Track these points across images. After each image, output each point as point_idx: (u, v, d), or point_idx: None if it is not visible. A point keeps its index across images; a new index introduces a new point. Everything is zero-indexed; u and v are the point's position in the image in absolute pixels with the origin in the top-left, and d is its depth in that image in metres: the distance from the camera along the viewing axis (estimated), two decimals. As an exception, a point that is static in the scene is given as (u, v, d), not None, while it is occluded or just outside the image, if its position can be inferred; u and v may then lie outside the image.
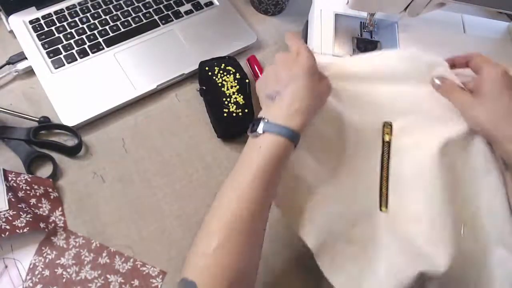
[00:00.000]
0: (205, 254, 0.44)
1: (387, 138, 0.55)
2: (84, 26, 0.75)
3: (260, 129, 0.49)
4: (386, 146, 0.55)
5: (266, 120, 0.49)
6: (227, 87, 0.69)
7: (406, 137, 0.55)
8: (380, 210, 0.53)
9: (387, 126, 0.56)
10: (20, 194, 0.60)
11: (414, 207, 0.52)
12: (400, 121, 0.56)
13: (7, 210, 0.57)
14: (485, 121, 0.50)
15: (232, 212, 0.45)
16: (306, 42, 0.72)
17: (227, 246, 0.44)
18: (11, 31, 0.75)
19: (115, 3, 0.78)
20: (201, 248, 0.45)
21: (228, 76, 0.70)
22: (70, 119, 0.67)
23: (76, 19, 0.76)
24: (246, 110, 0.68)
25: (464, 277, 0.50)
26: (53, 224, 0.60)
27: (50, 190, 0.61)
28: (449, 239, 0.49)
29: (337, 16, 0.69)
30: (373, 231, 0.52)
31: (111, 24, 0.76)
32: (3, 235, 0.55)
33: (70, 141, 0.66)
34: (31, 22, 0.75)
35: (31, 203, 0.60)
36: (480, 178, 0.52)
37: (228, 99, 0.68)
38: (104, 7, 0.78)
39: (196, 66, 0.72)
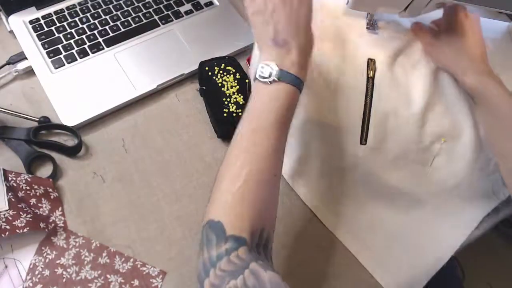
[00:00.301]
0: (230, 192, 0.46)
1: (371, 74, 0.59)
2: (84, 26, 0.75)
3: (273, 76, 0.50)
4: (370, 82, 0.59)
5: (277, 68, 0.50)
6: (227, 87, 0.69)
7: (388, 71, 0.60)
8: (360, 144, 0.59)
9: (371, 63, 0.59)
10: (20, 194, 0.60)
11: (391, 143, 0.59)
12: (383, 56, 0.60)
13: (7, 210, 0.57)
14: (444, 59, 0.60)
15: (253, 155, 0.48)
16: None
17: (250, 184, 0.46)
18: (11, 31, 0.75)
19: (115, 3, 0.78)
20: (225, 185, 0.47)
21: (228, 76, 0.70)
22: (70, 119, 0.67)
23: (76, 19, 0.76)
24: (246, 110, 0.68)
25: None
26: (53, 224, 0.60)
27: (50, 190, 0.61)
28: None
29: None
30: (353, 164, 0.60)
31: (111, 24, 0.76)
32: (3, 235, 0.55)
33: (70, 141, 0.66)
34: (31, 22, 0.75)
35: (31, 203, 0.60)
36: (454, 107, 0.59)
37: (228, 99, 0.68)
38: (104, 7, 0.78)
39: (196, 66, 0.72)
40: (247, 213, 0.45)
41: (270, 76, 0.50)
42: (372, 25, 0.63)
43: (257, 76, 0.51)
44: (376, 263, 0.63)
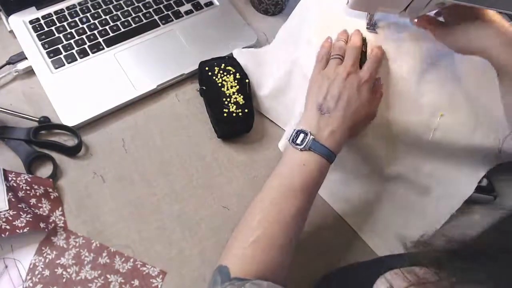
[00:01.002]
0: (242, 246, 0.48)
1: (363, 48, 0.61)
2: (84, 26, 0.75)
3: (306, 145, 0.51)
4: (364, 57, 0.61)
5: (313, 137, 0.51)
6: (227, 87, 0.69)
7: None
8: None
9: (363, 41, 0.61)
10: (20, 194, 0.60)
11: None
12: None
13: (7, 210, 0.57)
14: (464, 42, 0.54)
15: (271, 219, 0.49)
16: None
17: (263, 242, 0.47)
18: (11, 31, 0.75)
19: (115, 3, 0.78)
20: (239, 239, 0.49)
21: (228, 76, 0.70)
22: (70, 119, 0.67)
23: (76, 19, 0.76)
24: (246, 110, 0.68)
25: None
26: (53, 224, 0.60)
27: (50, 190, 0.61)
28: None
29: None
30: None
31: (111, 24, 0.76)
32: (3, 235, 0.55)
33: (70, 141, 0.66)
34: (31, 22, 0.75)
35: (31, 203, 0.60)
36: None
37: (228, 99, 0.68)
38: (104, 7, 0.78)
39: (196, 66, 0.72)
40: (255, 265, 0.47)
41: (302, 143, 0.51)
42: (372, 25, 0.63)
43: (290, 141, 0.52)
44: (364, 224, 0.64)
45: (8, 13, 0.75)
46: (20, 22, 0.75)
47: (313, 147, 0.51)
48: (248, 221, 0.50)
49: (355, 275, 0.57)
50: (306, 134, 0.51)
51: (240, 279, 0.45)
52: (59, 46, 0.73)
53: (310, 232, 0.63)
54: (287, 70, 0.69)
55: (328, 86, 0.55)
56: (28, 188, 0.61)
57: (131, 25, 0.77)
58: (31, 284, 0.56)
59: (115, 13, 0.77)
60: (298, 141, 0.51)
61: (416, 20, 0.59)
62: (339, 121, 0.52)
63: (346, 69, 0.56)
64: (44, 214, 0.60)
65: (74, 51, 0.73)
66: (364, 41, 0.61)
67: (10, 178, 0.60)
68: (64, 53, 0.72)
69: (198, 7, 0.80)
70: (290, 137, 0.53)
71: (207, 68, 0.71)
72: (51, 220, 0.60)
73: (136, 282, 0.57)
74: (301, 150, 0.51)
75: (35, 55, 0.72)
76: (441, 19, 0.60)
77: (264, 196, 0.51)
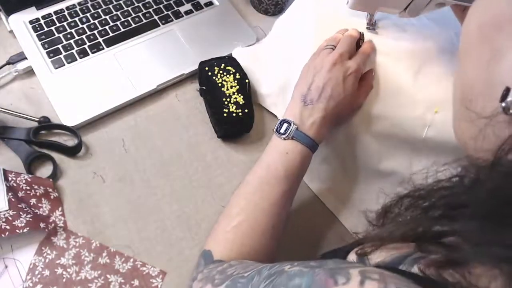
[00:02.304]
0: (224, 231, 0.50)
1: (361, 43, 0.61)
2: (84, 26, 0.75)
3: (289, 134, 0.53)
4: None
5: (296, 127, 0.53)
6: (227, 87, 0.69)
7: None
8: None
9: (361, 37, 0.62)
10: (20, 194, 0.60)
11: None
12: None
13: (7, 210, 0.57)
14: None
15: (253, 203, 0.51)
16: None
17: (244, 228, 0.50)
18: (11, 31, 0.75)
19: (115, 3, 0.78)
20: (222, 225, 0.51)
21: (228, 76, 0.70)
22: (70, 119, 0.67)
23: (76, 19, 0.76)
24: (246, 110, 0.68)
25: None
26: (53, 224, 0.59)
27: (50, 190, 0.61)
28: None
29: None
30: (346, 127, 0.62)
31: (111, 24, 0.76)
32: (3, 235, 0.55)
33: (70, 141, 0.66)
34: (31, 22, 0.75)
35: (31, 203, 0.60)
36: None
37: (228, 99, 0.68)
38: (104, 7, 0.78)
39: (196, 66, 0.72)
40: (236, 249, 0.49)
41: (285, 133, 0.53)
42: (372, 25, 0.63)
43: (275, 130, 0.54)
44: (341, 205, 0.65)
45: (8, 13, 0.75)
46: (20, 22, 0.75)
47: (296, 136, 0.53)
48: (232, 207, 0.52)
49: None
50: (289, 124, 0.53)
51: (222, 261, 0.47)
52: (59, 46, 0.73)
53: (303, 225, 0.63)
54: (286, 69, 0.69)
55: (313, 76, 0.56)
56: (28, 188, 0.60)
57: (131, 25, 0.77)
58: (31, 284, 0.56)
59: (115, 13, 0.77)
60: (282, 131, 0.53)
61: None
62: (322, 112, 0.54)
63: (333, 58, 0.56)
64: (44, 214, 0.60)
65: (74, 51, 0.73)
66: (362, 36, 0.61)
67: (10, 178, 0.60)
68: (64, 53, 0.72)
69: (198, 7, 0.80)
70: (275, 127, 0.55)
71: (207, 68, 0.71)
72: (51, 220, 0.60)
73: (136, 282, 0.57)
74: (284, 139, 0.53)
75: (35, 55, 0.72)
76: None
77: (247, 183, 0.53)
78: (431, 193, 0.30)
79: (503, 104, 0.25)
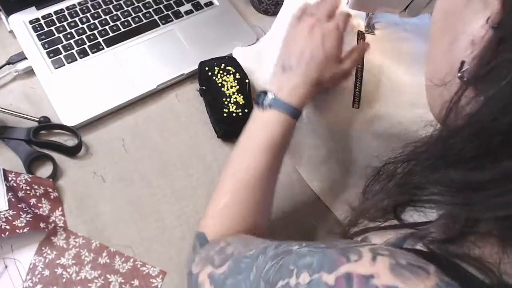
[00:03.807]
0: (215, 211, 0.51)
1: (361, 43, 0.61)
2: (84, 26, 0.75)
3: (267, 103, 0.52)
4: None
5: (273, 96, 0.52)
6: (227, 87, 0.69)
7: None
8: (353, 107, 0.60)
9: (361, 35, 0.62)
10: (20, 194, 0.60)
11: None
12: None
13: (7, 210, 0.57)
14: None
15: (239, 179, 0.51)
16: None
17: (233, 205, 0.50)
18: (11, 31, 0.75)
19: (115, 3, 0.78)
20: (212, 205, 0.51)
21: (228, 76, 0.70)
22: (70, 119, 0.67)
23: (76, 19, 0.76)
24: (246, 110, 0.68)
25: None
26: (53, 224, 0.59)
27: (50, 190, 0.61)
28: None
29: None
30: (346, 126, 0.61)
31: (111, 24, 0.76)
32: (3, 235, 0.55)
33: (70, 141, 0.66)
34: (31, 22, 0.75)
35: (31, 203, 0.60)
36: None
37: (228, 99, 0.68)
38: (104, 7, 0.78)
39: (196, 66, 0.72)
40: (229, 227, 0.49)
41: (263, 103, 0.52)
42: (370, 27, 0.63)
43: (255, 102, 0.54)
44: (341, 204, 0.65)
45: (8, 13, 0.75)
46: (20, 22, 0.75)
47: (274, 105, 0.52)
48: (220, 186, 0.52)
49: None
50: (266, 94, 0.53)
51: (217, 241, 0.47)
52: (59, 46, 0.73)
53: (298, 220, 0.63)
54: None
55: (292, 44, 0.55)
56: (28, 188, 0.60)
57: (131, 25, 0.77)
58: (31, 284, 0.56)
59: (115, 13, 0.77)
60: (260, 101, 0.53)
61: None
62: (301, 76, 0.52)
63: (311, 22, 0.54)
64: (44, 214, 0.60)
65: (74, 51, 0.73)
66: (363, 36, 0.62)
67: (10, 178, 0.60)
68: (64, 53, 0.72)
69: (198, 7, 0.80)
70: (256, 99, 0.54)
71: (207, 68, 0.71)
72: (51, 220, 0.60)
73: (136, 282, 0.57)
74: (263, 110, 0.52)
75: (35, 55, 0.72)
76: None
77: (232, 159, 0.53)
78: (407, 153, 0.33)
79: (459, 74, 0.29)
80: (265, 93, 0.53)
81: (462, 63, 0.29)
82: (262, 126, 0.52)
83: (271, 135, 0.51)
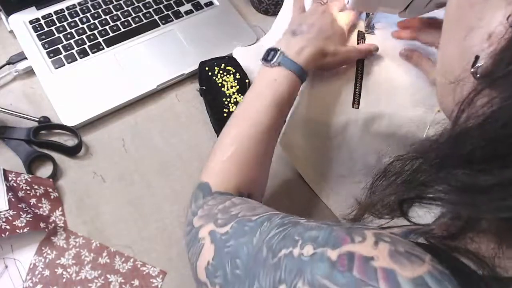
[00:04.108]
0: (220, 161, 0.51)
1: (362, 42, 0.63)
2: (84, 26, 0.75)
3: (276, 60, 0.53)
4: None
5: (282, 54, 0.53)
6: (227, 87, 0.69)
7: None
8: (353, 107, 0.60)
9: (361, 35, 0.63)
10: (20, 194, 0.60)
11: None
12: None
13: (7, 210, 0.57)
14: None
15: (244, 133, 0.51)
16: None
17: (238, 156, 0.50)
18: (11, 31, 0.75)
19: (115, 3, 0.78)
20: (217, 155, 0.52)
21: (228, 76, 0.70)
22: (70, 119, 0.67)
23: (76, 19, 0.76)
24: (246, 110, 0.68)
25: None
26: (53, 224, 0.59)
27: (50, 190, 0.61)
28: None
29: None
30: (346, 126, 0.61)
31: (111, 24, 0.76)
32: (3, 235, 0.55)
33: (70, 141, 0.66)
34: (31, 22, 0.75)
35: (31, 203, 0.60)
36: None
37: (228, 99, 0.68)
38: (104, 7, 0.78)
39: (196, 66, 0.72)
40: (234, 179, 0.49)
41: (272, 60, 0.53)
42: (370, 28, 0.63)
43: (262, 59, 0.54)
44: (341, 204, 0.65)
45: (8, 13, 0.75)
46: (20, 22, 0.75)
47: (283, 62, 0.53)
48: (224, 136, 0.53)
49: None
50: (276, 51, 0.54)
51: (221, 193, 0.48)
52: (59, 46, 0.73)
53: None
54: None
55: (304, 18, 0.59)
56: (28, 188, 0.60)
57: (131, 25, 0.77)
58: (31, 284, 0.56)
59: (115, 13, 0.77)
60: (269, 58, 0.54)
61: (407, 57, 0.60)
62: (310, 40, 0.55)
63: (324, 7, 0.59)
64: (44, 214, 0.60)
65: (74, 51, 0.73)
66: (363, 35, 0.62)
67: (10, 178, 0.60)
68: (64, 53, 0.72)
69: (198, 7, 0.80)
70: (262, 56, 0.55)
71: (207, 68, 0.71)
72: (51, 220, 0.60)
73: (136, 282, 0.57)
74: (271, 66, 0.53)
75: (35, 55, 0.72)
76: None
77: (238, 113, 0.54)
78: (419, 150, 0.32)
79: (472, 70, 0.28)
80: (274, 50, 0.54)
81: (477, 57, 0.28)
82: (269, 82, 0.53)
83: (278, 92, 0.52)
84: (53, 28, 0.75)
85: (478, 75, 0.28)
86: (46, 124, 0.66)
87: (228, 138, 0.52)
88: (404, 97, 0.60)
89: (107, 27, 0.76)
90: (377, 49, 0.61)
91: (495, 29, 0.27)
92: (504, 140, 0.25)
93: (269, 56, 0.54)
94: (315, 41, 0.55)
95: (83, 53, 0.73)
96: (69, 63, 0.72)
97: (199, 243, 0.43)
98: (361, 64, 0.61)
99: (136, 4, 0.79)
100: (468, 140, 0.27)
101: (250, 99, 0.54)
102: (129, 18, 0.77)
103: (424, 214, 0.35)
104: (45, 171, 0.64)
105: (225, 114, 0.67)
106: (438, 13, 0.61)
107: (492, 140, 0.26)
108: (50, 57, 0.72)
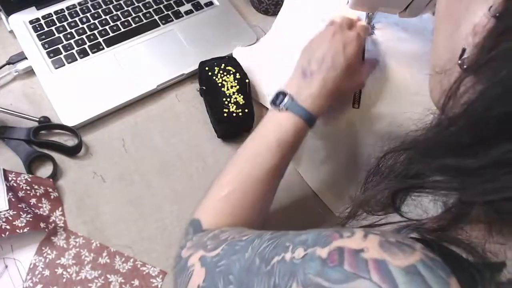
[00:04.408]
0: (216, 199, 0.50)
1: None
2: (84, 26, 0.75)
3: (284, 105, 0.52)
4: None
5: (291, 99, 0.52)
6: (227, 87, 0.69)
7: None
8: (353, 107, 0.60)
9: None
10: (20, 194, 0.60)
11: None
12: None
13: (7, 210, 0.57)
14: None
15: (244, 173, 0.50)
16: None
17: (234, 197, 0.49)
18: (11, 31, 0.75)
19: (115, 3, 0.78)
20: (212, 194, 0.51)
21: (228, 76, 0.70)
22: (70, 119, 0.67)
23: (76, 19, 0.76)
24: (246, 110, 0.68)
25: None
26: (53, 224, 0.59)
27: (50, 190, 0.61)
28: None
29: None
30: (346, 126, 0.61)
31: (111, 24, 0.76)
32: (3, 235, 0.55)
33: (70, 141, 0.66)
34: (31, 22, 0.75)
35: (31, 203, 0.60)
36: None
37: (228, 99, 0.68)
38: (104, 7, 0.78)
39: (196, 66, 0.72)
40: (226, 219, 0.48)
41: (280, 104, 0.52)
42: (370, 27, 0.63)
43: (271, 101, 0.53)
44: (340, 203, 0.64)
45: (8, 13, 0.75)
46: (20, 22, 0.75)
47: (290, 108, 0.52)
48: (224, 175, 0.52)
49: None
50: (285, 95, 0.53)
51: (212, 231, 0.47)
52: (59, 46, 0.73)
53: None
54: (286, 69, 0.69)
55: (314, 49, 0.55)
56: (28, 188, 0.60)
57: (131, 25, 0.77)
58: (31, 284, 0.56)
59: (115, 13, 0.77)
60: (277, 102, 0.53)
61: None
62: (320, 83, 0.53)
63: (333, 28, 0.56)
64: (44, 214, 0.60)
65: (74, 51, 0.73)
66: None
67: (10, 178, 0.60)
68: (64, 53, 0.72)
69: (198, 7, 0.80)
70: (272, 98, 0.54)
71: (207, 68, 0.71)
72: (51, 220, 0.60)
73: (136, 282, 0.57)
74: (279, 110, 0.52)
75: (35, 55, 0.72)
76: None
77: (240, 153, 0.53)
78: (407, 141, 0.34)
79: (459, 61, 0.30)
80: (283, 94, 0.53)
81: (463, 50, 0.29)
82: (275, 125, 0.52)
83: (283, 137, 0.51)
84: (53, 28, 0.75)
85: (464, 66, 0.29)
86: (46, 124, 0.66)
87: (227, 177, 0.51)
88: (404, 97, 0.60)
89: (107, 27, 0.76)
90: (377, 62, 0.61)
91: (480, 21, 0.28)
92: (487, 123, 0.26)
93: (278, 99, 0.53)
94: (326, 84, 0.53)
95: (83, 53, 0.73)
96: (69, 63, 0.72)
97: (188, 271, 0.42)
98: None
99: (136, 4, 0.79)
100: (455, 127, 0.28)
101: (254, 141, 0.53)
102: (129, 18, 0.77)
103: (415, 210, 0.35)
104: (45, 171, 0.64)
105: (225, 114, 0.67)
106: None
107: (476, 124, 0.27)
108: (50, 57, 0.72)
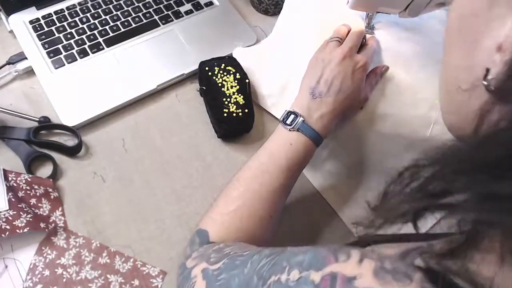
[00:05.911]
0: (222, 213, 0.51)
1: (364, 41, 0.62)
2: (84, 26, 0.75)
3: (295, 126, 0.53)
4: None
5: (302, 119, 0.53)
6: (227, 87, 0.69)
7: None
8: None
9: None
10: (20, 194, 0.60)
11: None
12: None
13: (7, 210, 0.57)
14: None
15: (253, 190, 0.51)
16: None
17: (242, 213, 0.50)
18: (11, 31, 0.75)
19: (115, 3, 0.78)
20: (220, 207, 0.51)
21: (228, 76, 0.70)
22: (70, 119, 0.67)
23: (76, 19, 0.76)
24: (246, 110, 0.68)
25: None
26: (53, 224, 0.60)
27: (50, 190, 0.61)
28: None
29: None
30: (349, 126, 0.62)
31: (111, 24, 0.76)
32: (3, 235, 0.55)
33: (70, 141, 0.66)
34: (31, 22, 0.75)
35: (31, 203, 0.60)
36: None
37: (228, 99, 0.68)
38: (104, 7, 0.78)
39: (196, 66, 0.72)
40: (234, 234, 0.49)
41: (292, 124, 0.53)
42: (370, 28, 0.63)
43: (281, 120, 0.54)
44: (343, 203, 0.65)
45: (8, 13, 0.75)
46: (20, 22, 0.75)
47: (302, 129, 0.53)
48: (231, 190, 0.52)
49: None
50: (296, 116, 0.53)
51: (217, 244, 0.47)
52: (59, 46, 0.73)
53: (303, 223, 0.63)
54: (286, 69, 0.69)
55: (322, 69, 0.56)
56: (28, 188, 0.60)
57: (131, 25, 0.77)
58: (31, 284, 0.56)
59: (115, 13, 0.77)
60: (288, 122, 0.54)
61: None
62: (330, 106, 0.54)
63: (343, 52, 0.56)
64: (44, 214, 0.60)
65: (74, 51, 0.73)
66: (364, 37, 0.61)
67: (10, 178, 0.60)
68: (64, 53, 0.72)
69: (198, 7, 0.80)
70: (282, 117, 0.55)
71: (207, 68, 0.71)
72: (51, 220, 0.60)
73: (136, 282, 0.57)
74: (290, 130, 0.53)
75: (35, 55, 0.72)
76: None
77: (249, 168, 0.53)
78: (432, 159, 0.31)
79: (485, 83, 0.27)
80: (294, 114, 0.54)
81: (487, 70, 0.27)
82: (284, 145, 0.53)
83: (293, 156, 0.52)
84: (53, 28, 0.75)
85: (492, 88, 0.27)
86: (46, 124, 0.66)
87: (235, 192, 0.52)
88: (406, 97, 0.60)
89: (107, 27, 0.76)
90: (387, 68, 0.61)
91: (506, 38, 0.26)
92: None
93: (289, 119, 0.54)
94: (335, 106, 0.54)
95: (83, 53, 0.73)
96: (69, 63, 0.72)
97: (191, 281, 0.43)
98: None
99: (136, 4, 0.79)
100: (484, 149, 0.26)
101: (263, 158, 0.53)
102: (129, 18, 0.77)
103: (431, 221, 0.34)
104: (45, 171, 0.64)
105: (225, 114, 0.67)
106: (438, 13, 0.61)
107: (508, 149, 0.25)
108: (50, 57, 0.72)
